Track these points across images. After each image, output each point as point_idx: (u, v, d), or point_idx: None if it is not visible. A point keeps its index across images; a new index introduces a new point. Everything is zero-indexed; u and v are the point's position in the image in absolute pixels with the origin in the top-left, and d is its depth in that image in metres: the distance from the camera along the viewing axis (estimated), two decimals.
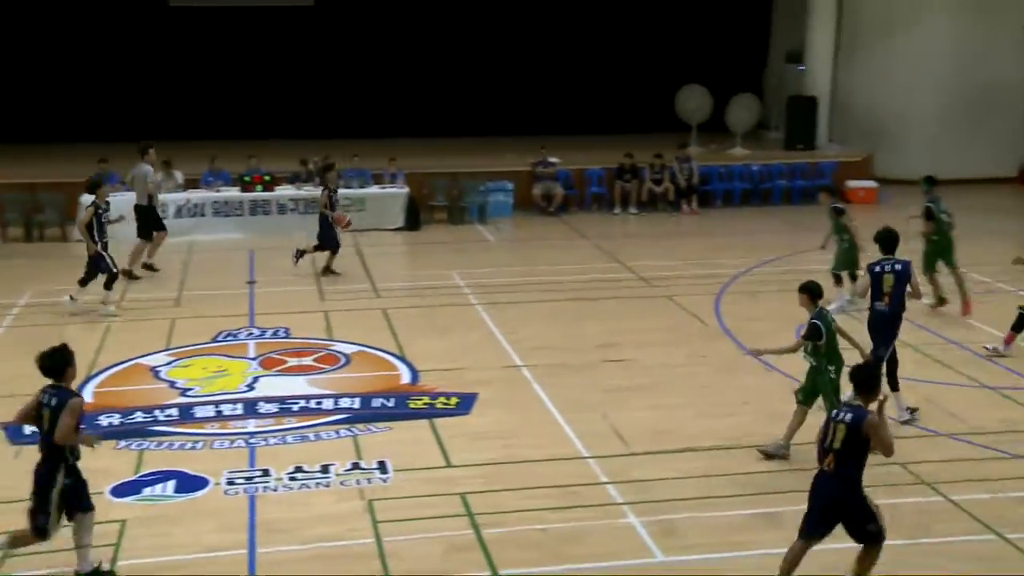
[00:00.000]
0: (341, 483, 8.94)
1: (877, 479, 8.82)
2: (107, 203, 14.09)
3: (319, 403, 10.79)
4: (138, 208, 15.96)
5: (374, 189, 19.75)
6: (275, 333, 13.12)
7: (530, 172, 21.09)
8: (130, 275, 15.42)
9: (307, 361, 12.09)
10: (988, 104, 23.45)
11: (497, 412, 10.54)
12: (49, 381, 7.18)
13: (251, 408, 10.69)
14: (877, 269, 10.43)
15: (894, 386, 9.97)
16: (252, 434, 10.00)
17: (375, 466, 9.25)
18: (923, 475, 8.93)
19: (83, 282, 13.74)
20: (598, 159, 21.81)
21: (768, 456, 9.29)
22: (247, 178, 19.27)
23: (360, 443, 9.78)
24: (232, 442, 9.84)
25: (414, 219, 19.68)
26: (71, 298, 13.70)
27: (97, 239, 13.69)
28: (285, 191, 19.43)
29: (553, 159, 21.22)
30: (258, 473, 9.10)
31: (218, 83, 25.49)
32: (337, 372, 11.81)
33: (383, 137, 24.17)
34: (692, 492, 8.68)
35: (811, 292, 9.38)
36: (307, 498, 8.64)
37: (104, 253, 13.69)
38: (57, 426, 6.96)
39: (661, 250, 17.87)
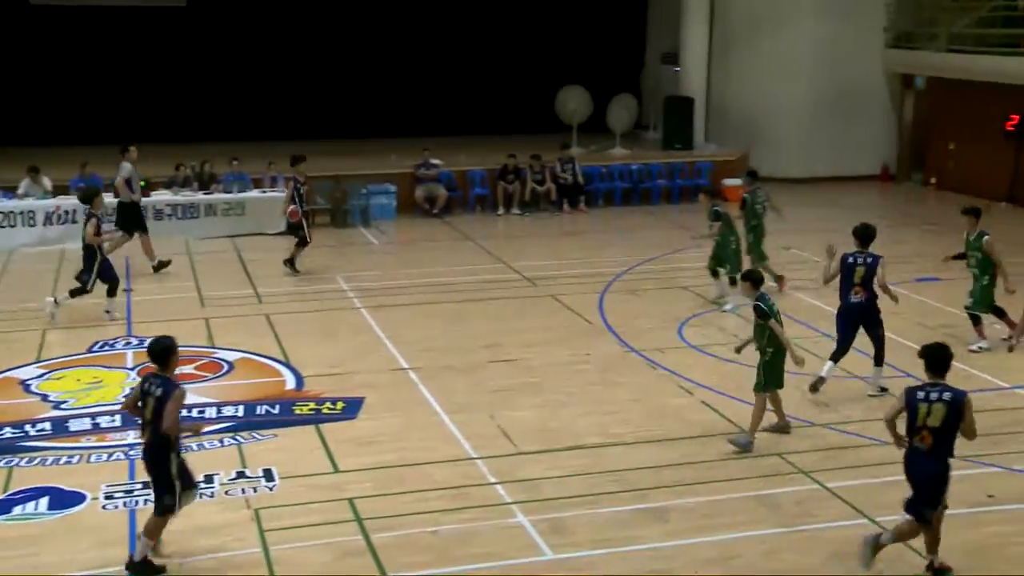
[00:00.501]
0: (226, 493, 8.76)
1: (755, 471, 9.12)
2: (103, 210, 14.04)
3: (201, 412, 10.54)
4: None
5: (254, 193, 19.40)
6: None
7: (412, 174, 21.02)
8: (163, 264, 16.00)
9: (188, 369, 11.77)
10: (853, 104, 24.38)
11: (384, 416, 10.48)
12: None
13: (130, 419, 10.36)
14: (850, 260, 10.92)
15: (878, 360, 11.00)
16: (131, 446, 9.69)
17: (261, 474, 9.09)
18: (800, 464, 9.22)
19: (75, 293, 13.57)
20: (480, 160, 21.89)
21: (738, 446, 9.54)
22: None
23: (245, 451, 9.60)
24: (110, 455, 9.55)
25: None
26: (55, 301, 13.54)
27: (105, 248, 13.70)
28: (161, 196, 18.94)
29: (435, 161, 21.20)
30: (139, 486, 8.83)
31: (88, 86, 24.62)
32: (220, 380, 11.56)
33: (263, 140, 23.73)
34: (579, 489, 8.78)
35: (752, 280, 9.87)
36: (190, 509, 8.40)
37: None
38: (164, 416, 7.32)
39: (545, 250, 18.03)
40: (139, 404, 7.56)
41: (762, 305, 9.66)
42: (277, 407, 10.71)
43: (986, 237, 12.34)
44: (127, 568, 7.50)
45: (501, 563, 7.64)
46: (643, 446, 9.68)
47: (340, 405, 10.72)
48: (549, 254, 17.63)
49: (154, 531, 7.55)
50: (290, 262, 16.12)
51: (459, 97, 26.36)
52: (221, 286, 15.52)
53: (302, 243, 16.15)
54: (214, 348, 12.63)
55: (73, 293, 13.67)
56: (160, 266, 16.32)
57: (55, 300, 13.65)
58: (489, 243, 18.52)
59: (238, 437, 9.94)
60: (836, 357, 10.98)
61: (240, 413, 10.52)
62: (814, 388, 10.80)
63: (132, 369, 11.79)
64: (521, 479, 8.99)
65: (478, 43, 26.55)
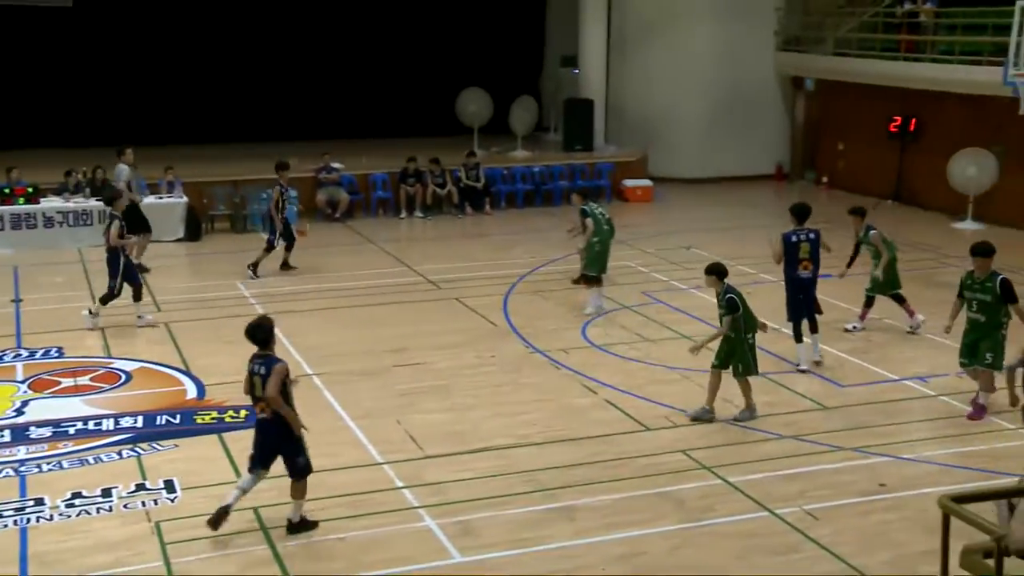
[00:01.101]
0: (125, 506, 8.55)
1: (660, 468, 9.27)
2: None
3: (98, 424, 10.27)
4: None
5: (150, 199, 18.94)
6: (46, 353, 12.39)
7: (314, 178, 20.80)
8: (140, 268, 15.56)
9: (84, 381, 11.48)
10: (747, 105, 24.97)
11: None
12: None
13: (21, 434, 10.04)
14: (793, 239, 11.66)
15: (814, 328, 11.92)
16: (23, 462, 9.40)
17: (161, 486, 8.90)
18: (703, 460, 9.41)
19: (105, 300, 13.34)
20: (382, 163, 21.78)
21: (696, 420, 10.12)
22: (7, 190, 18.09)
23: (145, 463, 9.38)
24: (0, 472, 9.22)
25: (195, 229, 19.04)
26: (90, 313, 13.32)
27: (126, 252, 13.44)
28: (51, 203, 18.37)
29: (336, 164, 21.02)
30: (30, 503, 8.57)
31: None
32: (117, 391, 11.28)
33: (158, 144, 23.19)
34: (487, 491, 8.81)
35: (717, 272, 10.21)
36: (87, 525, 8.21)
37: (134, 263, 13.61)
38: (267, 389, 7.87)
39: (448, 253, 18.03)
40: (252, 385, 8.10)
41: (734, 298, 10.12)
42: (178, 417, 10.49)
43: (872, 232, 12.98)
44: (289, 531, 8.09)
45: (410, 568, 7.62)
46: (550, 446, 9.75)
47: (244, 413, 10.54)
48: (453, 257, 17.63)
49: (301, 492, 8.13)
50: (285, 264, 16.33)
51: (359, 100, 26.18)
52: (121, 295, 15.10)
53: (269, 248, 16.14)
54: (111, 358, 12.31)
55: (103, 299, 13.36)
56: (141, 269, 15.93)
57: (90, 311, 13.36)
58: (392, 246, 18.43)
59: (137, 448, 9.71)
60: (799, 334, 11.89)
61: (139, 424, 10.28)
62: (817, 364, 11.78)
63: (23, 382, 11.41)
64: (429, 483, 8.98)
65: (378, 45, 26.41)
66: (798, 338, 11.90)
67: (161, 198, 19.05)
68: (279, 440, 8.08)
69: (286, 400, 8.04)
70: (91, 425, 10.23)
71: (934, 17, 21.25)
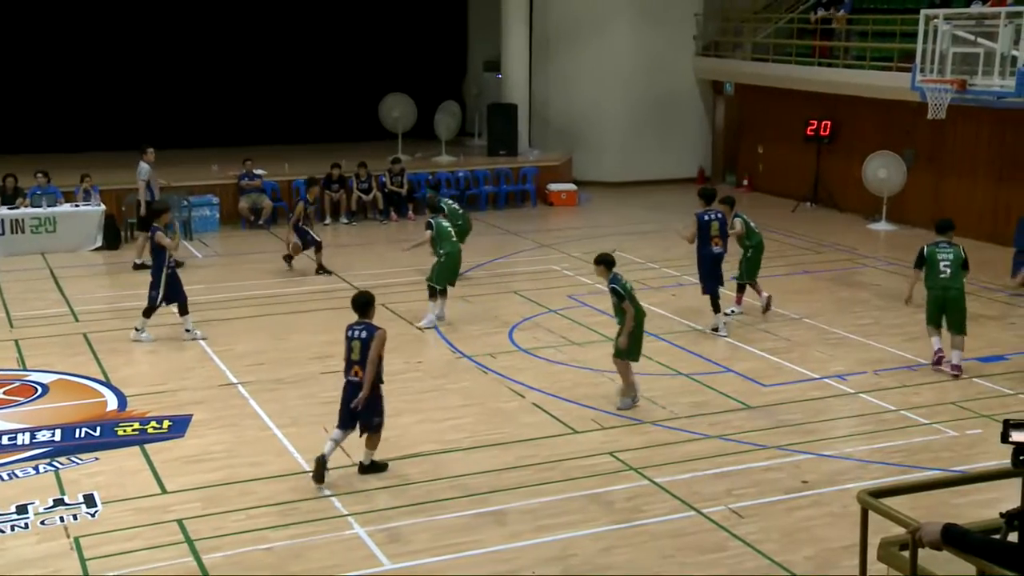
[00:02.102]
0: (42, 523, 8.32)
1: (589, 470, 9.33)
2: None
3: (12, 438, 9.99)
4: (137, 204, 17.48)
5: (65, 208, 18.51)
6: None
7: (236, 185, 20.52)
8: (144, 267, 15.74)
9: None
10: (669, 109, 25.31)
11: (214, 432, 10.21)
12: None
13: None
14: (706, 218, 13.20)
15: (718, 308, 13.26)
16: None
17: (81, 500, 8.69)
18: (630, 461, 9.49)
19: (148, 312, 13.11)
20: (305, 169, 21.53)
21: (625, 409, 10.57)
22: None
23: (63, 477, 9.16)
24: None
25: (113, 238, 18.65)
26: (137, 330, 13.07)
27: (172, 263, 13.11)
28: None
29: (259, 171, 20.76)
30: None
31: None
32: (33, 404, 10.98)
33: (74, 152, 22.73)
34: (417, 497, 8.78)
35: (605, 263, 10.69)
36: (1, 543, 7.98)
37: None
38: (368, 355, 8.74)
39: (374, 258, 17.91)
40: (349, 348, 8.88)
41: (618, 288, 10.57)
42: (98, 429, 10.26)
43: (736, 219, 13.88)
44: (360, 471, 9.13)
45: None
46: (479, 451, 9.75)
47: (167, 424, 10.37)
48: (378, 263, 17.53)
49: (374, 444, 9.15)
50: (321, 268, 16.54)
51: (281, 105, 25.90)
52: (32, 305, 14.74)
53: (317, 247, 16.54)
54: (26, 371, 11.99)
55: (146, 312, 13.07)
56: (143, 265, 16.10)
57: (137, 329, 13.08)
58: (317, 253, 18.23)
59: (55, 463, 9.46)
60: (717, 305, 13.24)
61: (57, 438, 10.03)
62: (722, 322, 13.13)
63: None
64: (357, 490, 8.92)
65: (300, 50, 26.15)
66: (716, 308, 13.25)
67: (77, 206, 18.61)
68: (363, 400, 8.84)
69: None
70: (5, 440, 9.95)
71: (846, 24, 21.77)
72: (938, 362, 11.89)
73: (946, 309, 11.77)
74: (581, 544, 8.01)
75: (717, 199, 13.53)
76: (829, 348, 12.87)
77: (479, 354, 12.60)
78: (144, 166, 17.43)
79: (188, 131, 24.81)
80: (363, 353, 8.85)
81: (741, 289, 14.16)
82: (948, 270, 11.83)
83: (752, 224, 14.07)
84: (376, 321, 13.85)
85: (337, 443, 9.09)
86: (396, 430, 10.27)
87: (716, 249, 13.13)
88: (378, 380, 8.99)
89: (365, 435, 9.12)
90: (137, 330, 13.13)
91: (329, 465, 9.37)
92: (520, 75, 24.42)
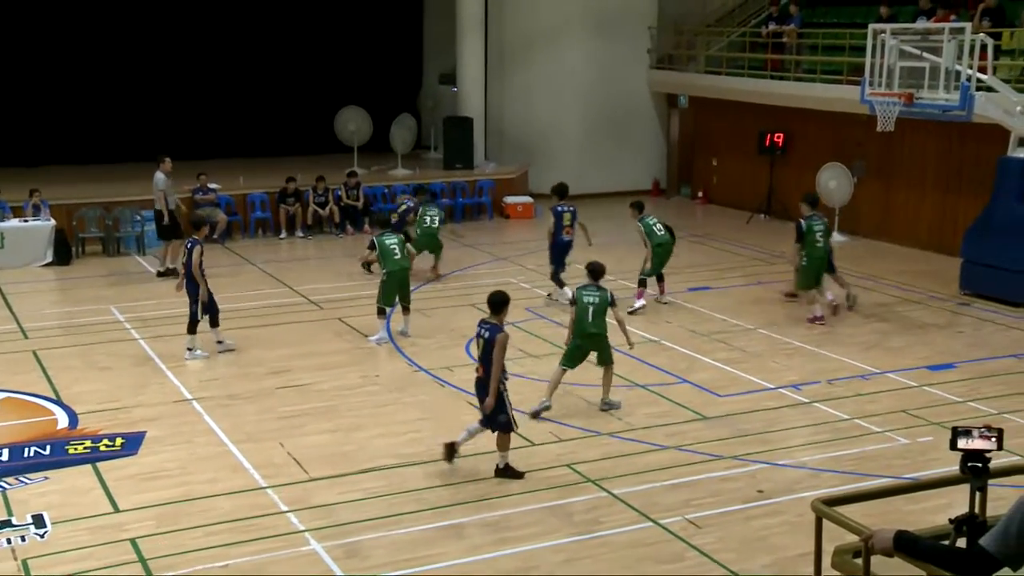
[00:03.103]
0: None
1: (547, 482, 9.35)
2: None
3: None
4: (156, 213, 17.56)
5: (13, 223, 18.23)
6: None
7: (190, 199, 20.34)
8: (171, 272, 16.52)
9: None
10: (624, 122, 25.48)
11: (168, 449, 10.09)
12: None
13: None
14: (560, 210, 15.45)
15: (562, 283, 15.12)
16: None
17: (29, 521, 8.54)
18: (588, 473, 9.52)
19: (192, 328, 12.96)
20: (260, 183, 21.45)
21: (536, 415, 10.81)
22: None
23: (11, 498, 9.00)
24: None
25: (64, 253, 18.40)
26: (189, 350, 12.93)
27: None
28: None
29: (213, 185, 20.59)
30: None
31: None
32: None
33: (22, 166, 22.40)
34: (374, 512, 8.74)
35: (594, 272, 11.52)
36: None
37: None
38: (493, 357, 9.02)
39: (330, 273, 17.83)
40: (478, 345, 9.20)
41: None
42: (48, 448, 10.10)
43: (640, 223, 15.32)
44: (496, 474, 9.31)
45: None
46: (437, 464, 9.73)
47: (119, 441, 10.23)
48: (334, 276, 17.45)
49: (505, 444, 9.32)
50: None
51: (236, 119, 25.70)
52: None
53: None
54: None
55: (190, 329, 12.96)
56: (167, 273, 16.95)
57: (189, 348, 12.94)
58: (272, 267, 18.15)
59: (3, 483, 9.29)
60: (560, 282, 15.27)
61: (5, 457, 9.86)
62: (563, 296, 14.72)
63: None
64: (314, 506, 8.86)
65: (255, 63, 25.98)
66: (560, 284, 15.28)
67: (26, 221, 18.36)
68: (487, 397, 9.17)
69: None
70: None
71: (797, 38, 22.07)
72: (835, 311, 14.55)
73: (823, 271, 14.56)
74: (541, 556, 8.02)
75: (566, 196, 15.76)
76: (784, 358, 13.00)
77: (436, 367, 12.59)
78: (160, 176, 17.36)
79: (142, 145, 24.49)
80: (485, 351, 9.14)
81: (642, 284, 15.29)
82: (822, 240, 14.38)
83: (656, 228, 15.31)
84: (329, 336, 13.96)
85: (471, 434, 9.51)
86: (353, 444, 10.24)
87: (567, 237, 15.36)
88: (505, 380, 9.29)
89: (496, 434, 9.35)
90: (189, 350, 12.93)
91: (286, 480, 9.32)
92: (476, 88, 24.47)
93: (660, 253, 15.30)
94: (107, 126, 24.61)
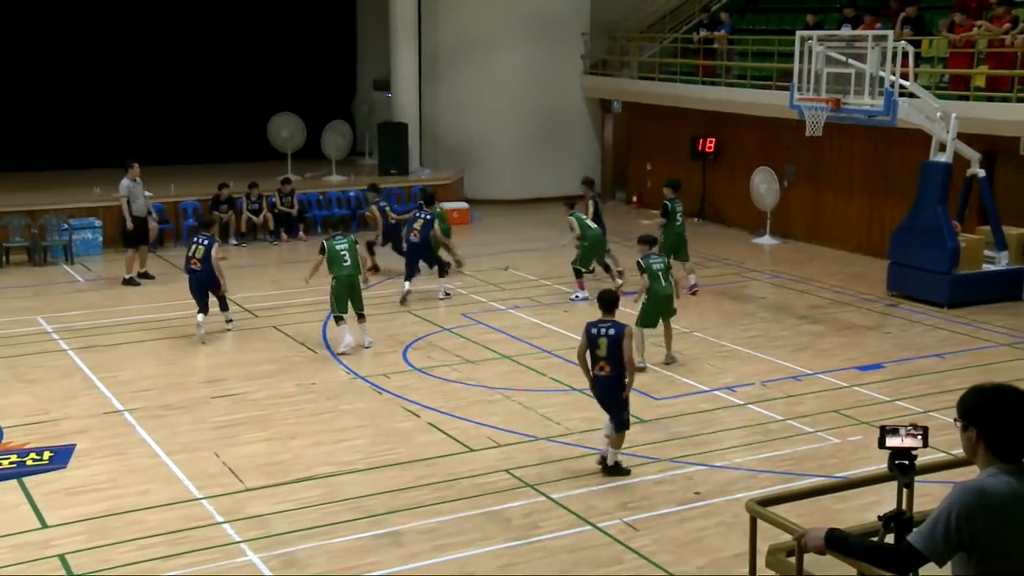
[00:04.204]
0: None
1: (485, 488, 9.35)
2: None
3: None
4: (121, 219, 17.44)
5: None
6: None
7: (119, 207, 19.93)
8: (132, 282, 17.00)
9: None
10: (559, 127, 25.61)
11: (99, 462, 9.90)
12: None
13: None
14: (416, 215, 16.16)
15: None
16: None
17: None
18: (526, 478, 9.54)
19: (224, 305, 14.31)
20: (192, 190, 21.16)
21: None
22: None
23: None
24: None
25: None
26: (229, 321, 14.35)
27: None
28: None
29: (145, 193, 20.21)
30: None
31: None
32: None
33: None
34: (312, 521, 8.66)
35: (647, 243, 12.61)
36: None
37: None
38: (623, 351, 9.20)
39: (264, 280, 17.65)
40: (594, 345, 9.22)
41: (640, 262, 12.53)
42: None
43: (570, 217, 16.03)
44: (605, 472, 9.47)
45: None
46: (374, 472, 9.68)
47: (47, 455, 10.01)
48: (269, 284, 17.28)
49: (619, 442, 9.48)
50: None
51: (166, 125, 25.33)
52: None
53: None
54: None
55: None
56: (131, 282, 17.04)
57: (228, 321, 14.35)
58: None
59: None
60: (411, 277, 15.90)
61: None
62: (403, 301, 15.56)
63: None
64: (250, 516, 8.76)
65: (186, 69, 25.64)
66: (410, 277, 15.84)
67: None
68: (610, 396, 9.36)
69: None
70: None
71: (728, 44, 22.39)
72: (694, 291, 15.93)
73: (681, 247, 16.02)
74: (479, 562, 8.02)
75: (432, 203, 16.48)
76: (718, 361, 13.17)
77: (373, 374, 12.52)
78: (123, 182, 17.19)
79: (69, 152, 24.09)
80: (610, 349, 9.20)
81: (578, 274, 15.94)
82: (681, 219, 16.10)
83: (588, 222, 16.10)
84: (264, 344, 13.82)
85: (609, 436, 9.53)
86: (290, 453, 10.14)
87: (414, 239, 15.97)
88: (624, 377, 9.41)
89: (615, 433, 9.43)
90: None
91: (221, 490, 9.21)
92: (410, 94, 24.41)
93: (595, 245, 15.95)
94: (31, 133, 24.11)
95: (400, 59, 24.16)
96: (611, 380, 9.37)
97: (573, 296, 15.98)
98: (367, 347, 13.50)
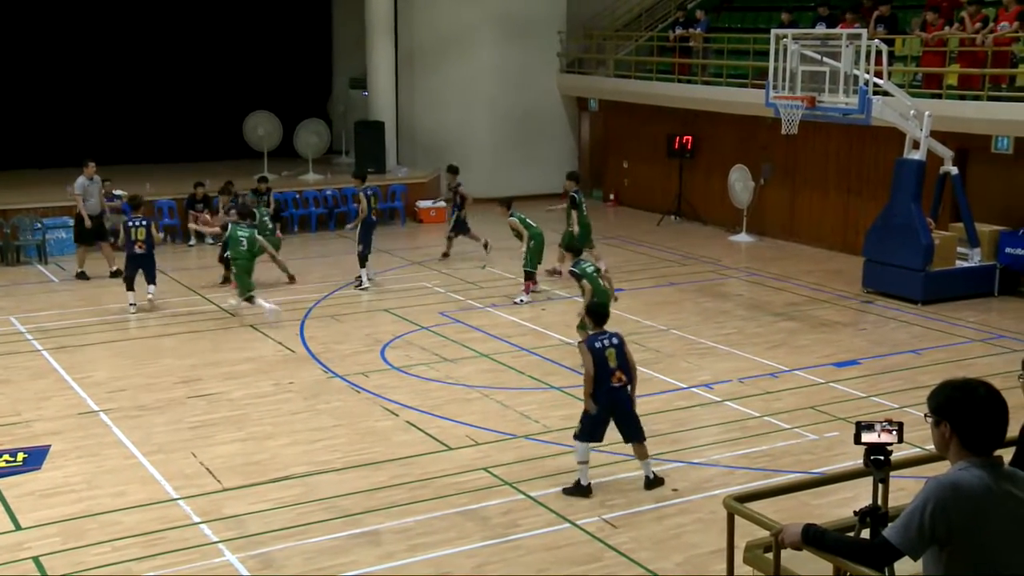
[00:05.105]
0: None
1: (463, 487, 9.34)
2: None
3: None
4: (76, 216, 17.58)
5: None
6: None
7: (128, 216, 19.76)
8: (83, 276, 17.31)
9: None
10: (536, 126, 25.63)
11: (73, 463, 9.82)
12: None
13: None
14: (368, 192, 17.08)
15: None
16: None
17: None
18: (504, 476, 9.54)
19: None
20: (167, 189, 21.03)
21: None
22: None
23: None
24: None
25: None
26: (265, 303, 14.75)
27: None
28: None
29: (119, 192, 20.09)
30: None
31: None
32: None
33: None
34: (289, 521, 8.63)
35: (573, 251, 12.47)
36: None
37: None
38: (629, 357, 9.14)
39: None
40: (604, 358, 8.97)
41: (575, 270, 12.28)
42: None
43: (511, 218, 16.09)
44: (648, 487, 9.20)
45: None
46: (352, 471, 9.66)
47: (21, 456, 9.92)
48: None
49: (646, 452, 9.29)
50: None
51: (141, 123, 25.18)
52: None
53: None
54: None
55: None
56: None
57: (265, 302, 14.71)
58: (181, 275, 17.79)
59: None
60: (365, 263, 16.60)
61: None
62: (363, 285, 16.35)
63: None
64: (227, 516, 8.71)
65: (161, 66, 25.48)
66: (363, 263, 16.63)
67: None
68: (630, 404, 9.15)
69: None
70: None
71: (703, 42, 22.45)
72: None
73: (588, 235, 16.56)
74: (456, 561, 8.01)
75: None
76: (695, 358, 13.21)
77: (351, 373, 12.49)
78: (79, 180, 17.37)
79: (43, 151, 23.87)
80: (619, 359, 9.06)
81: (529, 276, 15.87)
82: (586, 210, 16.80)
83: (529, 221, 16.14)
84: (241, 343, 13.75)
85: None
86: (266, 453, 10.10)
87: (374, 217, 17.12)
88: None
89: (636, 444, 9.23)
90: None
91: (198, 491, 9.16)
92: (386, 93, 24.34)
93: (539, 244, 15.94)
94: (4, 132, 23.87)
95: (376, 57, 24.07)
96: (627, 389, 9.17)
97: (517, 299, 15.74)
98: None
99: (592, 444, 9.17)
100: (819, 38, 16.09)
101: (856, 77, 15.08)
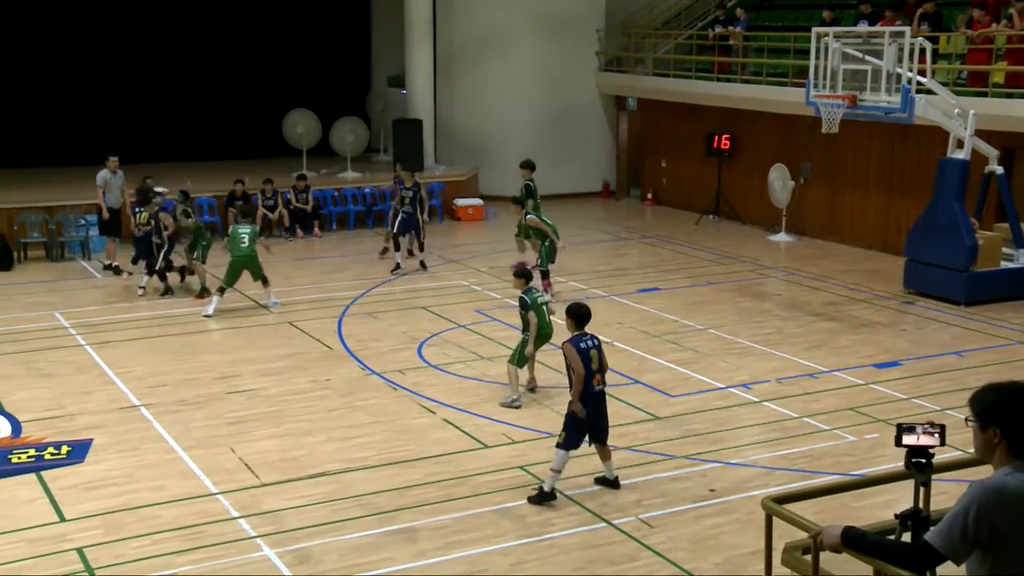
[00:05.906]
0: None
1: (498, 484, 9.35)
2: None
3: None
4: (96, 208, 17.99)
5: None
6: None
7: (135, 203, 20.01)
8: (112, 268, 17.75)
9: None
10: (573, 124, 25.55)
11: (115, 457, 9.94)
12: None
13: None
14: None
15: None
16: None
17: None
18: (540, 475, 9.50)
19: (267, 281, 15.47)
20: (207, 187, 21.20)
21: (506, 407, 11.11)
22: None
23: None
24: None
25: (6, 258, 18.06)
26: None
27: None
28: None
29: (160, 189, 20.26)
30: None
31: None
32: None
33: None
34: (325, 517, 8.68)
35: (525, 276, 11.39)
36: None
37: None
38: (605, 362, 9.13)
39: (280, 276, 17.62)
40: (588, 359, 8.85)
41: (526, 298, 11.15)
42: None
43: (529, 216, 15.69)
44: (608, 486, 9.21)
45: None
46: (387, 468, 9.69)
47: (65, 449, 10.06)
48: (284, 280, 17.29)
49: (610, 453, 9.24)
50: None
51: (182, 121, 25.44)
52: None
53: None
54: None
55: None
56: (116, 270, 17.52)
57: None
58: (220, 271, 17.87)
59: None
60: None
61: None
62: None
63: None
64: (265, 511, 8.78)
65: (202, 66, 25.73)
66: (398, 247, 17.49)
67: None
68: (605, 408, 9.10)
69: None
70: None
71: (743, 40, 22.30)
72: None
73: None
74: (492, 560, 8.01)
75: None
76: (734, 358, 13.12)
77: (388, 371, 12.53)
78: (101, 173, 17.70)
79: (87, 149, 24.12)
80: (600, 361, 9.01)
81: (545, 275, 15.45)
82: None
83: (546, 217, 15.94)
84: (279, 340, 13.85)
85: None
86: (303, 449, 10.16)
87: (408, 209, 17.53)
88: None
89: (601, 446, 9.20)
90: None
91: (237, 486, 9.23)
92: (425, 91, 24.41)
93: (554, 245, 15.52)
94: (50, 129, 24.24)
95: (415, 56, 24.15)
96: (604, 392, 9.11)
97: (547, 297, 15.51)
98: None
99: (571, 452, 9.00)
100: (861, 36, 15.92)
101: (899, 75, 14.90)
